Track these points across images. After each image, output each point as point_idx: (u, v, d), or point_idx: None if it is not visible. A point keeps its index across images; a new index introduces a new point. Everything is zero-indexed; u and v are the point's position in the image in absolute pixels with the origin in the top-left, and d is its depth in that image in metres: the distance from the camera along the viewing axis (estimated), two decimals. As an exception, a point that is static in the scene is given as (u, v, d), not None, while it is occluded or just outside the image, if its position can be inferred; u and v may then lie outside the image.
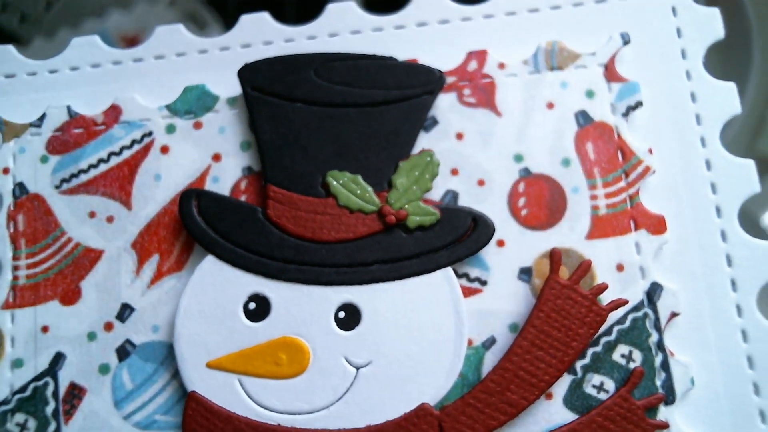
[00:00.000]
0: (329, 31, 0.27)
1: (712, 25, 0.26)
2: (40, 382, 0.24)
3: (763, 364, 0.24)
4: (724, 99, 0.26)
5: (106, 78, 0.28)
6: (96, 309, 0.25)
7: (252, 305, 0.24)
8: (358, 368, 0.24)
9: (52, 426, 0.24)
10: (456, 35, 0.27)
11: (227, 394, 0.23)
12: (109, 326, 0.25)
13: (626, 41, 0.26)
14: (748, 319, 0.24)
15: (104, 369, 0.24)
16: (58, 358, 0.25)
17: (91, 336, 0.25)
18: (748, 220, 0.39)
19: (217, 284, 0.24)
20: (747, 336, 0.24)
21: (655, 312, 0.24)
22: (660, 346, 0.24)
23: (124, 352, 0.25)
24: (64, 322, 0.25)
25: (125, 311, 0.25)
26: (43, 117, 0.27)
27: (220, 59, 0.27)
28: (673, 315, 0.24)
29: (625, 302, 0.24)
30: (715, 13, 0.26)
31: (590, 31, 0.27)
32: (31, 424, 0.24)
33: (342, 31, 0.27)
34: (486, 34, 0.27)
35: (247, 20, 0.28)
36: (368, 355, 0.24)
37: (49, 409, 0.24)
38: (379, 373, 0.24)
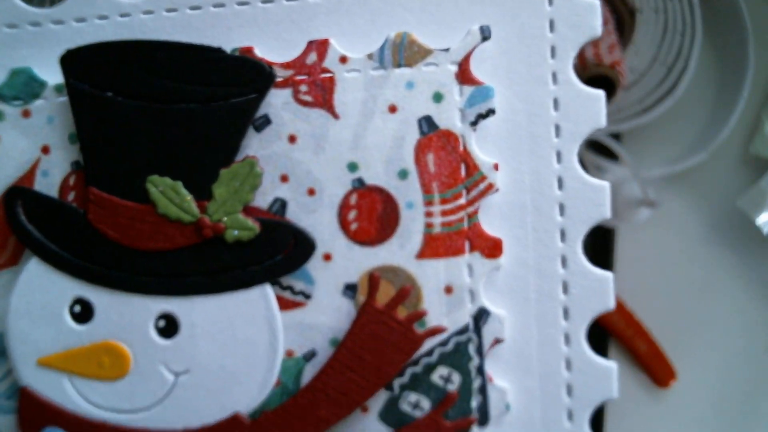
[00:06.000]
0: (167, 6, 0.25)
1: (589, 20, 0.23)
2: None
3: (580, 394, 0.24)
4: (590, 109, 0.23)
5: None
6: (-61, 297, 0.26)
7: (77, 308, 0.24)
8: (177, 375, 0.24)
9: None
10: (302, 16, 0.24)
11: (57, 390, 0.25)
12: (-48, 315, 0.26)
13: (486, 36, 0.23)
14: (575, 348, 0.24)
15: (-49, 353, 0.26)
16: None
17: (-63, 322, 0.26)
18: (743, 219, 0.37)
19: (43, 286, 0.24)
20: (571, 365, 0.24)
21: (480, 337, 0.24)
22: (480, 370, 0.24)
23: (-32, 339, 0.26)
24: None
25: (-34, 302, 0.25)
26: None
27: (54, 34, 0.25)
28: (497, 341, 0.24)
29: (442, 330, 0.23)
30: (594, 5, 0.23)
31: (454, 18, 0.23)
32: None
33: (181, 6, 0.25)
34: (336, 15, 0.24)
35: (82, -12, 0.25)
36: (186, 364, 0.24)
37: None
38: (197, 382, 0.24)
